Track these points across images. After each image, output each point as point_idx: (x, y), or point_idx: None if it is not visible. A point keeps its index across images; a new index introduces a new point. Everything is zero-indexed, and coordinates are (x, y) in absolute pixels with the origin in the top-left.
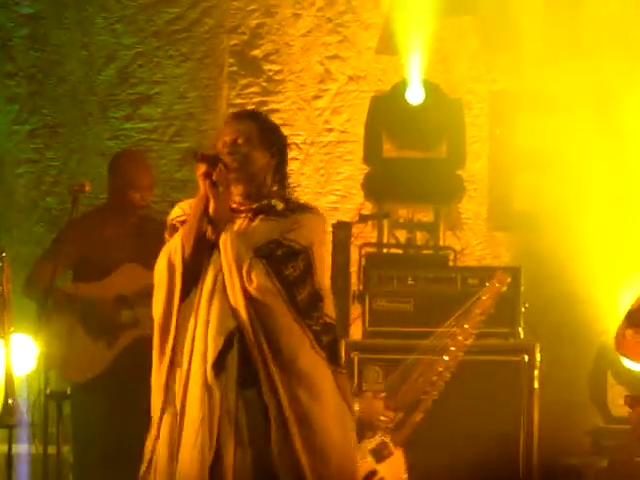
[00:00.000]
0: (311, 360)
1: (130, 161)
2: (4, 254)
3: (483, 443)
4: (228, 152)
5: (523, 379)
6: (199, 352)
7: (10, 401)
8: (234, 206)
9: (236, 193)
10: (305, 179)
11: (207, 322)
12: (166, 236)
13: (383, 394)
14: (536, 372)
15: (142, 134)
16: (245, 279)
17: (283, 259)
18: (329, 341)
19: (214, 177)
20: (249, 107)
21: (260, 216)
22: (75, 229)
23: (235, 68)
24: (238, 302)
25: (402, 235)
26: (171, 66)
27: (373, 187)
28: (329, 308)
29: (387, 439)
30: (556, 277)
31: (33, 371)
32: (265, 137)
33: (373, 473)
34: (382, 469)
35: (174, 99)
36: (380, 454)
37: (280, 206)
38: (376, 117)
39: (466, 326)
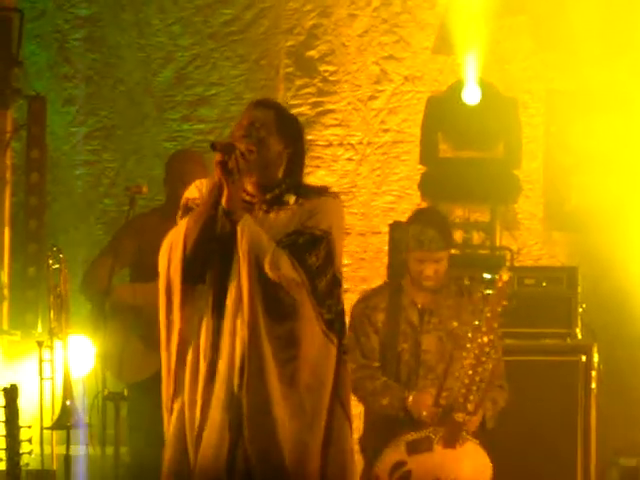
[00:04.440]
0: (319, 347)
1: (185, 162)
2: (61, 255)
3: (540, 443)
4: (244, 135)
5: (580, 379)
6: (225, 356)
7: (68, 403)
8: (247, 198)
9: (249, 182)
10: (361, 179)
11: (234, 329)
12: (178, 217)
13: (432, 389)
14: (593, 372)
15: (199, 135)
16: (269, 269)
17: (306, 247)
18: (341, 328)
19: (229, 164)
20: (303, 107)
21: (275, 207)
22: (133, 228)
23: (291, 69)
24: (253, 291)
25: (459, 235)
26: (227, 67)
27: (429, 187)
28: (342, 295)
29: (433, 435)
30: (613, 277)
31: (91, 372)
32: (281, 125)
33: (400, 464)
34: (412, 462)
35: (230, 100)
36: (415, 447)
37: (292, 200)
38: (432, 117)
39: (476, 322)
